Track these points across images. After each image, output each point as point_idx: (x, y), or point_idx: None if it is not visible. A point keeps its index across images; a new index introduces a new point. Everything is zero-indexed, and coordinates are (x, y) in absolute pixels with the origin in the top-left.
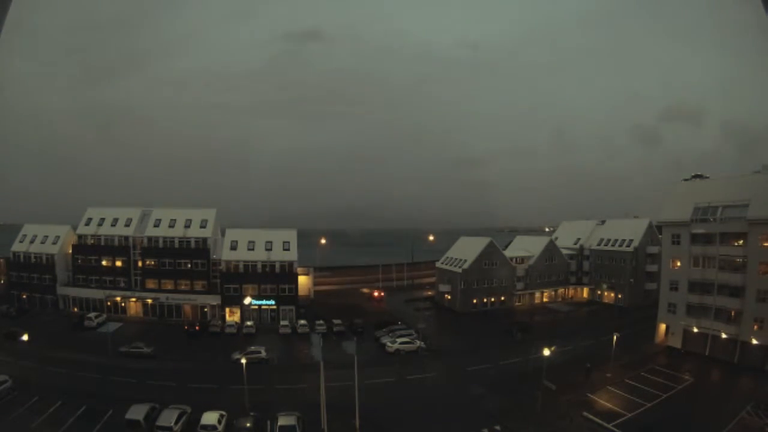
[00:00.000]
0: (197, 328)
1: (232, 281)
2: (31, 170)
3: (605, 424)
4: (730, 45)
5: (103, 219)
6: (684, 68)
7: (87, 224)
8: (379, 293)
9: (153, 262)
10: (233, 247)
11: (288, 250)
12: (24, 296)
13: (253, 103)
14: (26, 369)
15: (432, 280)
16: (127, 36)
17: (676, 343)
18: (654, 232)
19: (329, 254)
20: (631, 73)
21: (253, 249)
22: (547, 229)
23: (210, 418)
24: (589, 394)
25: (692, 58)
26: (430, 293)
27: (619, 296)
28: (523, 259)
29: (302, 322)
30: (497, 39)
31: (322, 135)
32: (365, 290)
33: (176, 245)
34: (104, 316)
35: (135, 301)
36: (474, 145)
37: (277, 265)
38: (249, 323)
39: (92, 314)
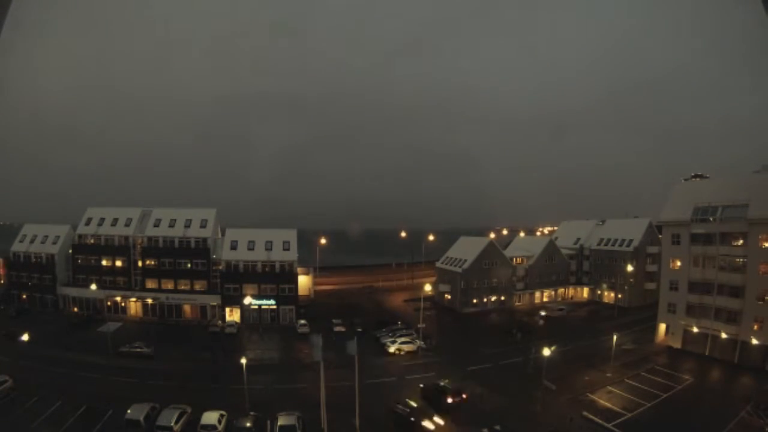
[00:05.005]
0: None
1: (232, 281)
2: (31, 170)
3: (605, 424)
4: (730, 45)
5: (103, 219)
6: (684, 68)
7: (87, 224)
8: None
9: (153, 262)
10: (233, 247)
11: (288, 249)
12: (24, 296)
13: (253, 102)
14: (26, 369)
15: (432, 279)
16: (127, 36)
17: (676, 342)
18: (654, 232)
19: (329, 254)
20: (629, 70)
21: (253, 249)
22: (540, 232)
23: (210, 418)
24: (589, 394)
25: (692, 58)
26: (430, 293)
27: (619, 296)
28: (523, 259)
29: (302, 321)
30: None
31: (320, 135)
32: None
33: (176, 245)
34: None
35: (135, 301)
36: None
37: (277, 265)
38: None
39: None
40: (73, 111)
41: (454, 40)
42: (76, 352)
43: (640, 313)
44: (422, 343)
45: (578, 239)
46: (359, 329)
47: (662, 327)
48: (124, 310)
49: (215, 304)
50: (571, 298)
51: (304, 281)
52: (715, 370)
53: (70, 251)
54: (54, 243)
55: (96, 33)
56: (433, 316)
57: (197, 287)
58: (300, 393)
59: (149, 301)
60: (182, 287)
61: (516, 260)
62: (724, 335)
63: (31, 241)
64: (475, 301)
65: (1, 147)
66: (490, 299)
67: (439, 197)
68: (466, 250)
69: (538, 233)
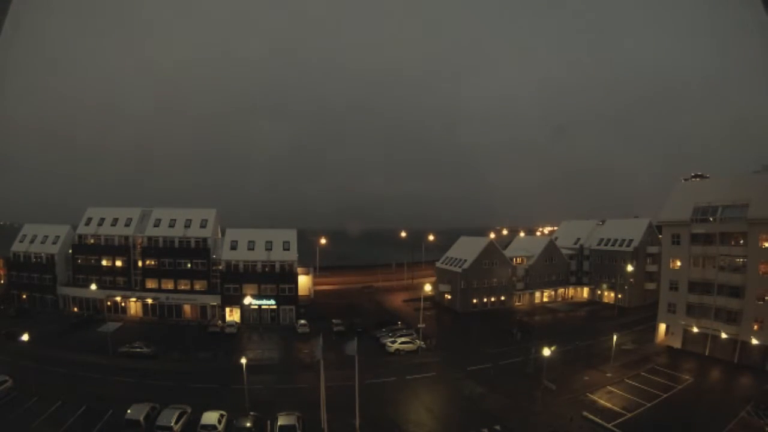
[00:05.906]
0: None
1: (232, 281)
2: (31, 170)
3: (605, 424)
4: (730, 45)
5: (103, 219)
6: (685, 68)
7: (87, 224)
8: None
9: (153, 262)
10: (233, 247)
11: (288, 249)
12: (24, 296)
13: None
14: (26, 369)
15: (432, 279)
16: (127, 36)
17: (676, 342)
18: (654, 232)
19: (329, 254)
20: (628, 69)
21: (253, 249)
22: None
23: (210, 417)
24: (589, 394)
25: (692, 58)
26: (430, 293)
27: (619, 296)
28: (523, 259)
29: (302, 321)
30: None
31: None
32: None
33: (176, 245)
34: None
35: (135, 301)
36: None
37: (277, 265)
38: None
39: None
40: (74, 111)
41: (453, 41)
42: (76, 352)
43: (640, 313)
44: (422, 343)
45: (578, 239)
46: (359, 329)
47: (662, 327)
48: (124, 310)
49: (215, 304)
50: (571, 298)
51: (304, 281)
52: (715, 370)
53: (70, 251)
54: (54, 243)
55: (96, 33)
56: (433, 316)
57: (197, 287)
58: (300, 393)
59: (149, 301)
60: (182, 287)
61: (516, 260)
62: (724, 335)
63: (31, 241)
64: (475, 301)
65: (1, 147)
66: (490, 299)
67: (439, 196)
68: (466, 250)
69: (538, 233)
